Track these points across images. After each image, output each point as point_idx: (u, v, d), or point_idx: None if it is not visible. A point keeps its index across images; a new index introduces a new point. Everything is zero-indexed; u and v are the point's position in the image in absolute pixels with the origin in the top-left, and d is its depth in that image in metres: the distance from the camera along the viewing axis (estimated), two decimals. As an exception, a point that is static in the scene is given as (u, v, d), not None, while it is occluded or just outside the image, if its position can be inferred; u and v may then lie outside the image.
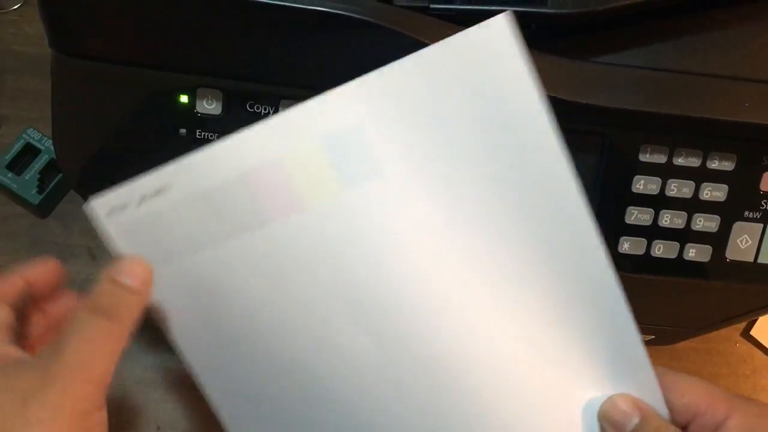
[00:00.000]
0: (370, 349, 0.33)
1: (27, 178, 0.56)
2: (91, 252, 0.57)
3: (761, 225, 0.38)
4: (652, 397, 0.32)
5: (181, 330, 0.34)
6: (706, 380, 0.33)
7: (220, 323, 0.34)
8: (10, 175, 0.56)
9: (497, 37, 0.28)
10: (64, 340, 0.30)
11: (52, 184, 0.57)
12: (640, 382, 0.32)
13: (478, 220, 0.31)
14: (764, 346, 0.58)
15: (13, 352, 0.32)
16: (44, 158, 0.56)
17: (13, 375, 0.30)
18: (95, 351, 0.30)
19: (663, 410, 0.32)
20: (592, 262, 0.30)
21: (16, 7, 0.63)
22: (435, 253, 0.31)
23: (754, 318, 0.58)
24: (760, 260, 0.39)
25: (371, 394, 0.34)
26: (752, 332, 0.58)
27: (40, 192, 0.56)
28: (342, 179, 0.31)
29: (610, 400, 0.32)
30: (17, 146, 0.56)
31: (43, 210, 0.57)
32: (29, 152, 0.57)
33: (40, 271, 0.37)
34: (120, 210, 0.33)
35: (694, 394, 0.32)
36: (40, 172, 0.56)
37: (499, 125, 0.29)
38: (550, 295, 0.31)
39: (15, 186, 0.56)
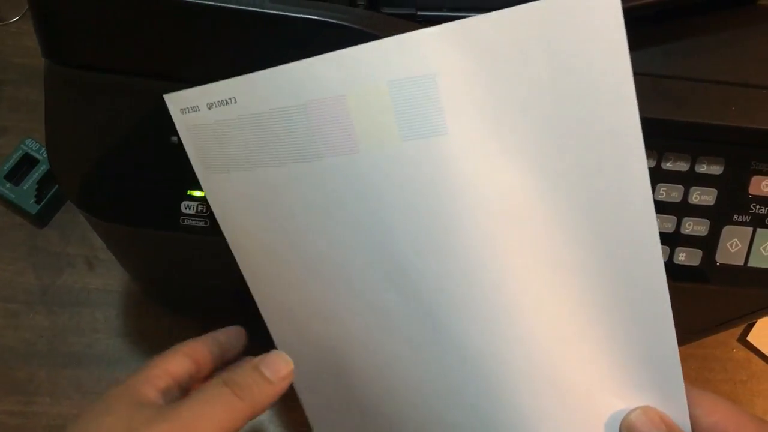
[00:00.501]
0: (396, 307, 0.32)
1: (25, 188, 0.57)
2: (89, 261, 0.58)
3: (751, 228, 0.38)
4: (679, 413, 0.31)
5: (230, 226, 0.36)
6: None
7: (262, 238, 0.35)
8: (8, 185, 0.57)
9: (603, 7, 0.26)
10: (189, 397, 0.32)
11: (50, 193, 0.57)
12: (668, 396, 0.31)
13: (538, 198, 0.29)
14: (761, 352, 0.58)
15: (153, 396, 0.33)
16: (42, 168, 0.57)
17: (136, 413, 0.31)
18: (207, 415, 0.31)
19: (687, 428, 0.31)
20: (649, 265, 0.29)
21: (15, 19, 0.64)
22: (484, 222, 0.29)
23: (747, 322, 0.58)
24: (750, 264, 0.39)
25: (388, 347, 0.34)
26: (749, 338, 0.58)
27: (38, 201, 0.57)
28: (402, 129, 0.29)
29: (637, 411, 0.31)
30: (15, 156, 0.57)
31: (41, 219, 0.58)
32: (27, 162, 0.57)
33: (230, 336, 0.40)
34: (191, 110, 0.33)
35: (722, 413, 0.31)
36: (38, 182, 0.57)
37: (585, 103, 0.28)
38: (600, 291, 0.30)
39: (13, 196, 0.56)
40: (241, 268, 0.37)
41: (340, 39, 0.35)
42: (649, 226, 0.28)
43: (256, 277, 0.37)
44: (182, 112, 0.34)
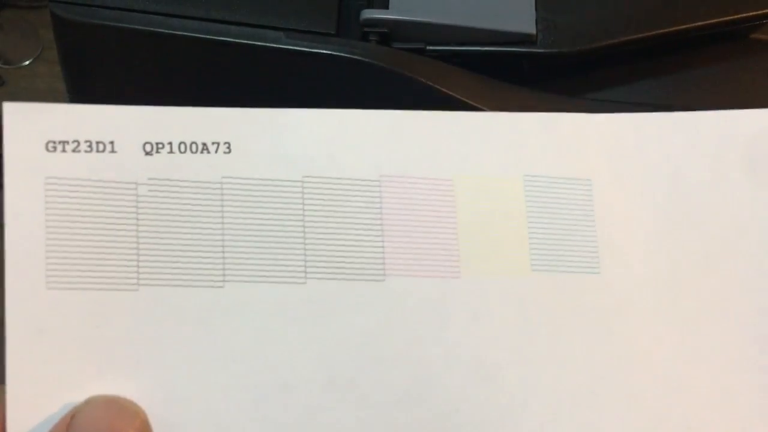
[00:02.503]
0: None
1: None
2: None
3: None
4: None
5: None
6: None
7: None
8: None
9: None
10: None
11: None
12: None
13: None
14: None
15: None
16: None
17: None
18: None
19: None
20: None
21: (28, 62, 0.65)
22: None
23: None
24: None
25: None
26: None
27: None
28: (536, 255, 0.20)
29: None
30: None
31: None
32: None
33: None
34: (89, 148, 0.18)
35: None
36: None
37: None
38: None
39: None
40: None
41: (354, 74, 0.36)
42: None
43: None
44: (49, 149, 0.18)
